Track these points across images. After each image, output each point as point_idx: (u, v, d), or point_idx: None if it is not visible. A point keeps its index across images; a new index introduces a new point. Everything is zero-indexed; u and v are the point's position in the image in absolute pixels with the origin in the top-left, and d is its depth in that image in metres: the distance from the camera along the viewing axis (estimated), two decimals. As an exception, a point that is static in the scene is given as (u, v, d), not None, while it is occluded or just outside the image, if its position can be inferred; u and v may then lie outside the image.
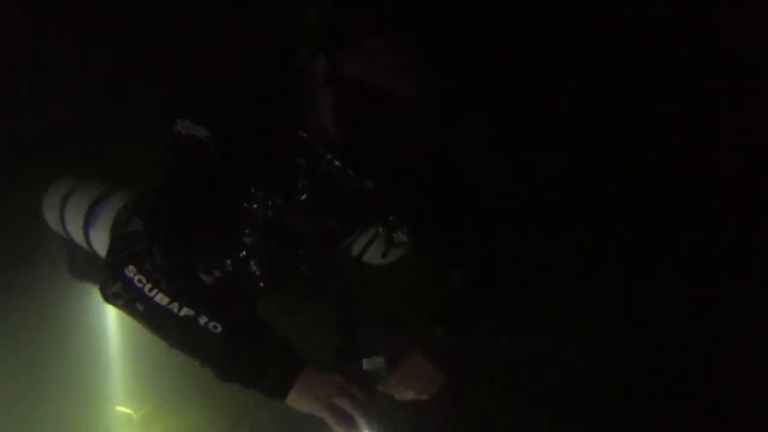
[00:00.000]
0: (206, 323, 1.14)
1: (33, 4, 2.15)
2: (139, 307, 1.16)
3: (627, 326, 1.95)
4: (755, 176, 1.76)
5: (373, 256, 1.59)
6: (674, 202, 1.87)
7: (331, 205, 1.42)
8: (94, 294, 2.45)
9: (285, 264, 1.44)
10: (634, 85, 1.85)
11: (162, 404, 2.75)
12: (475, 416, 2.12)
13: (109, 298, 1.21)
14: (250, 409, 2.33)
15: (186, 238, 1.24)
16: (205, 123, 1.25)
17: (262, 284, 1.44)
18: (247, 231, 1.36)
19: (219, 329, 1.14)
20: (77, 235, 1.73)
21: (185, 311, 1.14)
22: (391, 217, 1.48)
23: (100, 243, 1.65)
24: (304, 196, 1.36)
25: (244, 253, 1.40)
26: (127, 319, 1.22)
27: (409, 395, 1.41)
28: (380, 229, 1.51)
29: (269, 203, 1.34)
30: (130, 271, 1.16)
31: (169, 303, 1.14)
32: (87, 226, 1.66)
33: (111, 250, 1.23)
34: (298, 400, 1.18)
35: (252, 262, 1.41)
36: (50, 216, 1.81)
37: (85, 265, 1.91)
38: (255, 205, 1.33)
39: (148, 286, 1.15)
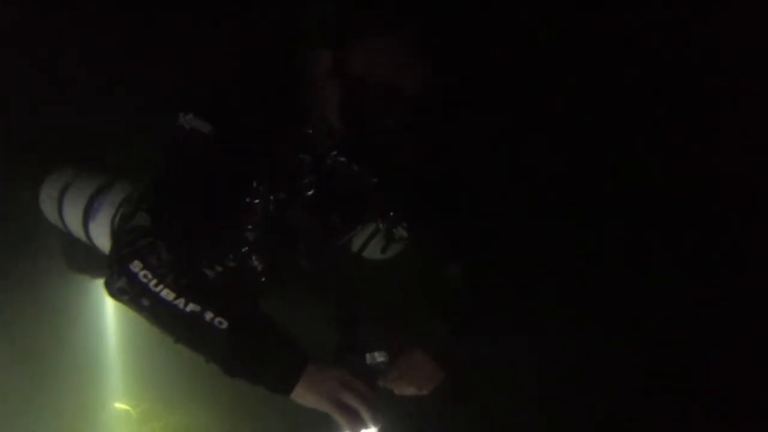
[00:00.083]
0: (212, 319, 1.14)
1: (33, 4, 2.15)
2: (145, 302, 1.16)
3: (627, 326, 1.95)
4: (755, 176, 1.76)
5: (373, 252, 1.60)
6: (674, 202, 1.87)
7: (336, 200, 1.42)
8: (92, 286, 2.46)
9: (286, 259, 1.45)
10: (634, 85, 1.85)
11: (161, 401, 2.75)
12: (475, 415, 2.12)
13: (115, 294, 1.21)
14: (251, 407, 2.33)
15: (191, 233, 1.24)
16: (210, 118, 1.26)
17: (263, 279, 1.44)
18: (250, 226, 1.37)
19: (225, 325, 1.14)
20: (76, 228, 1.72)
21: (191, 307, 1.14)
22: (391, 213, 1.49)
23: (100, 236, 1.65)
24: (310, 192, 1.36)
25: (246, 248, 1.40)
26: (126, 314, 1.22)
27: (409, 390, 1.42)
28: (380, 225, 1.51)
29: (271, 198, 1.34)
30: (136, 266, 1.17)
31: (175, 298, 1.15)
32: (87, 219, 1.66)
33: (116, 245, 1.23)
34: (303, 396, 1.18)
35: (254, 257, 1.41)
36: (48, 208, 1.81)
37: (83, 258, 1.90)
38: (257, 200, 1.33)
39: (154, 281, 1.16)
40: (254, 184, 1.33)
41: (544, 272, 1.99)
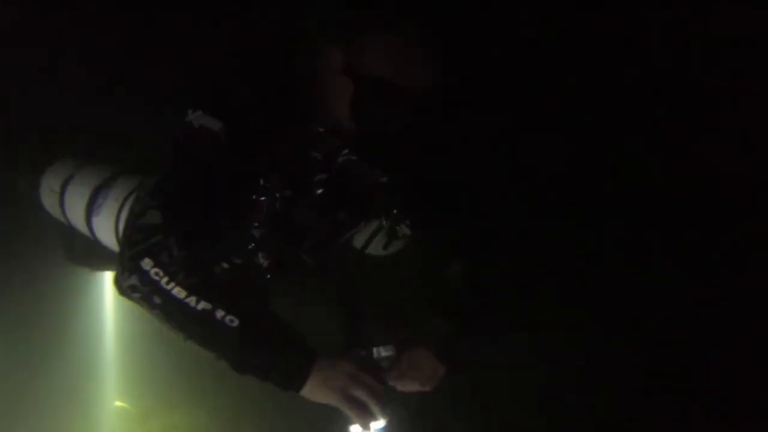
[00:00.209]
0: (223, 317, 1.15)
1: (33, 4, 2.15)
2: (156, 300, 1.17)
3: (627, 326, 1.95)
4: (755, 176, 1.76)
5: (375, 248, 1.60)
6: (674, 202, 1.87)
7: (344, 199, 1.43)
8: (92, 278, 2.44)
9: (290, 255, 1.45)
10: (634, 85, 1.85)
11: (160, 399, 2.73)
12: (475, 415, 2.12)
13: (125, 291, 1.21)
14: (252, 405, 2.32)
15: (203, 230, 1.25)
16: (219, 115, 1.26)
17: (268, 276, 1.44)
18: (256, 224, 1.37)
19: (236, 323, 1.15)
20: (79, 222, 1.72)
21: (203, 305, 1.15)
22: (395, 210, 1.49)
23: (104, 231, 1.64)
24: (320, 190, 1.37)
25: (252, 245, 1.40)
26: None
27: (413, 387, 1.43)
28: (384, 222, 1.52)
29: (277, 195, 1.34)
30: (147, 263, 1.17)
31: (187, 296, 1.15)
32: (90, 213, 1.66)
33: (126, 243, 1.22)
34: (313, 392, 1.20)
35: (260, 254, 1.41)
36: (48, 200, 1.80)
37: (82, 250, 1.90)
38: (263, 198, 1.34)
39: (165, 279, 1.16)
40: (261, 182, 1.33)
41: (544, 272, 2.00)
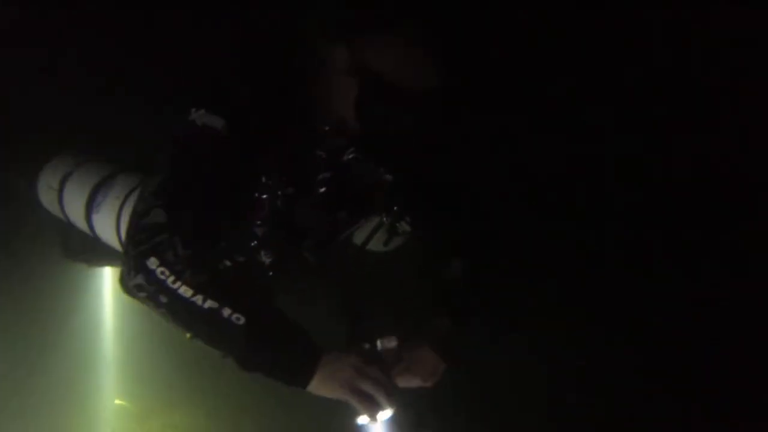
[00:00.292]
0: (230, 315, 1.15)
1: (33, 4, 2.15)
2: (163, 299, 1.17)
3: (627, 326, 1.95)
4: (755, 176, 1.76)
5: (376, 244, 1.61)
6: (674, 202, 1.87)
7: (347, 197, 1.43)
8: (90, 275, 2.42)
9: (292, 253, 1.45)
10: (634, 85, 1.85)
11: (160, 398, 2.73)
12: (475, 415, 2.12)
13: (131, 291, 1.21)
14: (252, 405, 2.32)
15: (207, 228, 1.25)
16: (223, 113, 1.26)
17: (270, 273, 1.45)
18: (258, 222, 1.37)
19: (242, 321, 1.15)
20: (78, 220, 1.71)
21: (209, 303, 1.15)
22: (395, 207, 1.49)
23: (104, 228, 1.64)
24: (323, 189, 1.37)
25: (254, 242, 1.40)
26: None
27: (414, 382, 1.43)
28: (384, 219, 1.52)
29: (279, 193, 1.35)
30: (153, 262, 1.17)
31: (193, 295, 1.15)
32: (89, 211, 1.66)
33: (131, 242, 1.22)
34: (319, 386, 1.20)
35: (262, 252, 1.42)
36: (47, 197, 1.79)
37: (79, 246, 1.89)
38: (265, 195, 1.34)
39: (172, 277, 1.16)
40: (263, 180, 1.33)
41: (544, 272, 2.00)
